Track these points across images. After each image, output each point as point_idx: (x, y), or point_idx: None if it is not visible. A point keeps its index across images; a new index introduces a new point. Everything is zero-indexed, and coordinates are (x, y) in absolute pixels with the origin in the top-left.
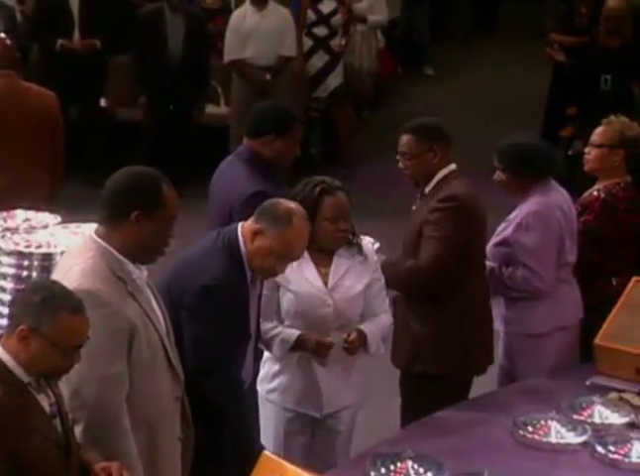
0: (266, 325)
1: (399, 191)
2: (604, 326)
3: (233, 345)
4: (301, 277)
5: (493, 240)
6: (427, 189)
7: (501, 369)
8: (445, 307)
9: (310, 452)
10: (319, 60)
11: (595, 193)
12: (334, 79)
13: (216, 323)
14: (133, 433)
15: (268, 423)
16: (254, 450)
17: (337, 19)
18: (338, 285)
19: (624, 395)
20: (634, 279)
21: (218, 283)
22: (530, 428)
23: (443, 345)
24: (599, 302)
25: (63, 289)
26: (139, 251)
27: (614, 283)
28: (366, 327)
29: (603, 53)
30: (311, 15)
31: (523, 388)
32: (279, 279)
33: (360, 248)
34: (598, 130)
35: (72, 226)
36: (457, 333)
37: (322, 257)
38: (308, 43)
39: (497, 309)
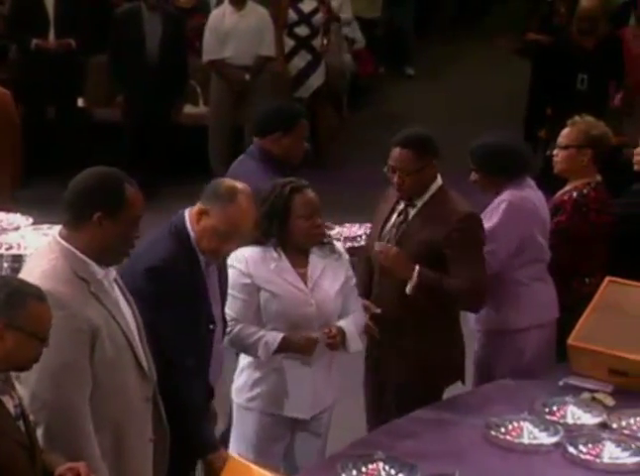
0: (247, 330)
1: (379, 192)
2: (577, 327)
3: (189, 332)
4: (281, 279)
5: None
6: (420, 203)
7: (477, 368)
8: (437, 321)
9: (289, 455)
10: (301, 61)
11: (567, 194)
12: (316, 79)
13: (166, 308)
14: (98, 434)
15: (249, 432)
16: (205, 446)
17: (318, 18)
18: (317, 284)
19: (597, 395)
20: (607, 279)
21: (162, 264)
22: (503, 429)
23: (432, 358)
24: (573, 302)
25: (21, 281)
26: (103, 252)
27: (588, 283)
28: (344, 324)
29: (578, 53)
30: (292, 15)
31: (497, 388)
32: (260, 282)
33: (332, 247)
34: (564, 131)
35: (44, 228)
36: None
37: (298, 258)
38: (290, 43)
39: None
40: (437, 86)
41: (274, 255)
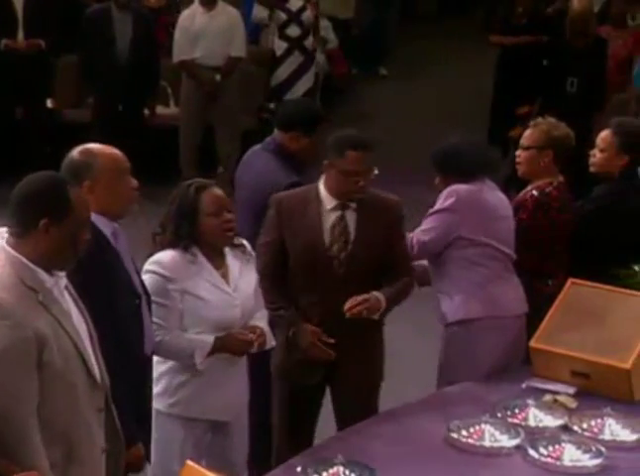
0: (177, 337)
1: None
2: (540, 329)
3: (120, 303)
4: (205, 281)
5: None
6: (354, 204)
7: (440, 370)
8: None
9: (212, 457)
10: (293, 62)
11: (529, 193)
12: (306, 82)
13: (93, 296)
14: (47, 445)
15: (172, 438)
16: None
17: (307, 15)
18: (238, 284)
19: (559, 397)
20: (570, 281)
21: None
22: (464, 432)
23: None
24: (536, 304)
25: None
26: (51, 259)
27: (550, 284)
28: (262, 323)
29: (569, 56)
30: (281, 15)
31: (459, 391)
32: (185, 286)
33: (244, 248)
34: (526, 133)
35: (2, 231)
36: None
37: (215, 258)
38: (283, 45)
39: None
40: (410, 87)
41: (190, 257)
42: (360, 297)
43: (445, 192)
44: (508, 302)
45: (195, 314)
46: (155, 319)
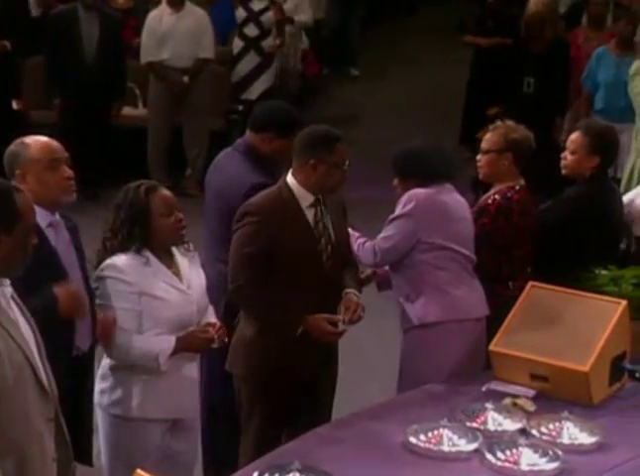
0: (140, 340)
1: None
2: (500, 332)
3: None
4: (162, 282)
5: None
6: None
7: (400, 374)
8: None
9: (168, 456)
10: (250, 62)
11: (491, 198)
12: (264, 82)
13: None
14: (0, 458)
15: (124, 441)
16: None
17: (268, 17)
18: (191, 282)
19: (518, 401)
20: (530, 283)
21: None
22: (423, 437)
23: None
24: (497, 307)
25: None
26: (2, 268)
27: (511, 287)
28: (212, 319)
29: (526, 56)
30: (242, 12)
31: (419, 394)
32: (143, 288)
33: (188, 245)
34: (485, 136)
35: None
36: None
37: (166, 258)
38: (239, 44)
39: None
40: (382, 87)
41: (143, 259)
42: (352, 306)
43: (404, 198)
44: (469, 306)
45: (154, 315)
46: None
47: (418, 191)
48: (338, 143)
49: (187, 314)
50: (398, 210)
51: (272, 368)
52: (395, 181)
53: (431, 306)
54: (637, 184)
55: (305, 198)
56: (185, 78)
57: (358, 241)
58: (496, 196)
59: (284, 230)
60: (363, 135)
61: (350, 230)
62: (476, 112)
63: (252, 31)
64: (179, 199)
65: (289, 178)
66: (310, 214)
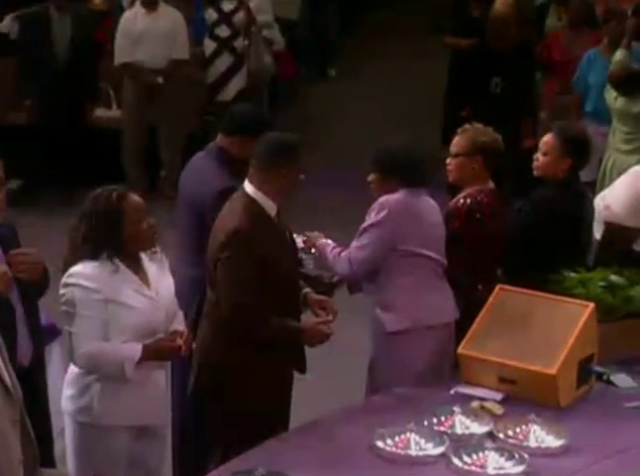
0: (106, 348)
1: (299, 196)
2: (468, 335)
3: None
4: (129, 289)
5: None
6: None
7: (368, 378)
8: None
9: (135, 462)
10: (223, 63)
11: (461, 201)
12: (238, 82)
13: None
14: None
15: (91, 448)
16: None
17: (239, 17)
18: (159, 288)
19: (486, 404)
20: (498, 286)
21: None
22: (390, 441)
23: None
24: (466, 309)
25: None
26: None
27: (480, 289)
28: (179, 327)
29: (491, 56)
30: (212, 13)
31: (387, 398)
32: (110, 296)
33: (155, 249)
34: (455, 140)
35: None
36: None
37: (133, 264)
38: (212, 45)
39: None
40: (359, 87)
41: (113, 266)
42: (325, 305)
43: (376, 205)
44: (439, 311)
45: (121, 323)
46: (80, 331)
47: (390, 198)
48: (299, 151)
49: (155, 321)
50: (371, 218)
51: (251, 393)
52: (372, 177)
53: (402, 313)
54: (610, 183)
55: (271, 209)
56: (159, 79)
57: (333, 251)
58: (467, 199)
59: (270, 247)
60: (339, 136)
61: (323, 240)
62: (456, 112)
63: (223, 32)
64: (155, 201)
65: (251, 191)
66: (277, 225)
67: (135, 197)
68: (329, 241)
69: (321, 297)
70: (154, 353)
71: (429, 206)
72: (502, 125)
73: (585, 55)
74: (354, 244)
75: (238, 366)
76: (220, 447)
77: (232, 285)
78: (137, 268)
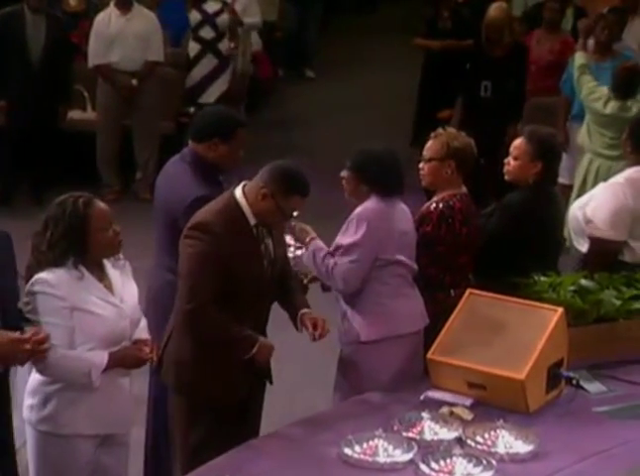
0: (72, 356)
1: None
2: (437, 340)
3: None
4: (94, 296)
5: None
6: None
7: (337, 386)
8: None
9: (98, 471)
10: (207, 65)
11: (433, 205)
12: (220, 85)
13: None
14: None
15: (54, 457)
16: None
17: (223, 19)
18: (123, 295)
19: (455, 409)
20: (468, 291)
21: None
22: (357, 448)
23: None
24: (438, 314)
25: None
26: None
27: (453, 294)
28: (143, 334)
29: (485, 60)
30: (196, 15)
31: (355, 404)
32: (77, 303)
33: (118, 255)
34: (428, 144)
35: None
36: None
37: (97, 271)
38: (196, 47)
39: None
40: (338, 89)
41: (78, 273)
42: (318, 322)
43: (355, 218)
44: (408, 320)
45: (87, 330)
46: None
47: (367, 209)
48: (299, 196)
49: (121, 329)
50: (352, 233)
51: (213, 385)
52: (345, 174)
53: (378, 323)
54: (592, 187)
55: (251, 218)
56: (134, 81)
57: (326, 261)
58: (439, 204)
59: (235, 249)
60: (318, 139)
61: (316, 241)
62: (427, 114)
63: (207, 33)
64: (130, 203)
65: (239, 195)
66: (255, 233)
67: (101, 204)
68: (320, 243)
69: (314, 316)
70: (120, 361)
71: (402, 213)
72: (490, 128)
73: (570, 57)
74: (344, 260)
75: (203, 362)
76: (186, 450)
77: (191, 278)
78: (101, 275)
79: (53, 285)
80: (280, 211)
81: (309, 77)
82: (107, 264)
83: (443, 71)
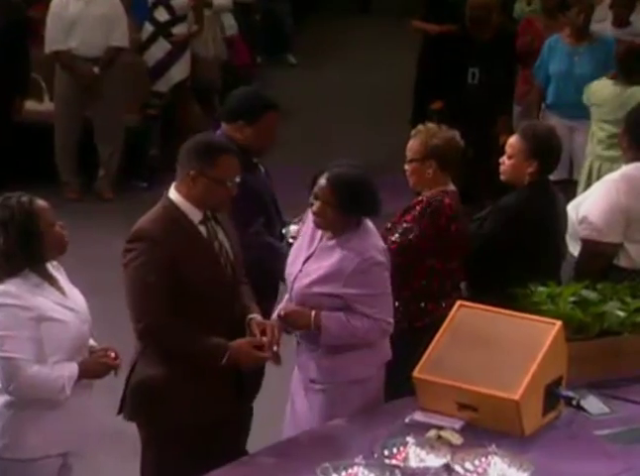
0: (44, 370)
1: None
2: (424, 357)
3: None
4: (53, 303)
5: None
6: None
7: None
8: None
9: None
10: (159, 49)
11: (420, 198)
12: (178, 72)
13: None
14: None
15: None
16: None
17: (178, 1)
18: (73, 296)
19: (443, 433)
20: (458, 303)
21: None
22: None
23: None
24: (427, 328)
25: None
26: None
27: (444, 305)
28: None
29: (471, 45)
30: None
31: (334, 427)
32: (44, 312)
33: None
34: (408, 144)
35: None
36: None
37: (45, 275)
38: (149, 29)
39: (310, 361)
40: (321, 75)
41: (36, 280)
42: (268, 329)
43: (360, 263)
44: (375, 361)
45: (54, 340)
46: (16, 356)
47: (364, 247)
48: (224, 155)
49: (83, 335)
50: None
51: (185, 409)
52: (318, 207)
53: (363, 358)
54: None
55: (194, 214)
56: (96, 69)
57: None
58: (424, 197)
59: (182, 253)
60: (299, 129)
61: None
62: (423, 106)
63: (162, 15)
64: (92, 204)
65: (173, 195)
66: (203, 232)
67: (40, 201)
68: (326, 314)
69: (263, 321)
70: (90, 371)
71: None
72: (478, 118)
73: (546, 42)
74: (374, 311)
75: (167, 382)
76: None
77: (138, 294)
78: (50, 279)
79: (15, 296)
80: (217, 183)
81: (291, 63)
82: (49, 267)
83: (437, 58)
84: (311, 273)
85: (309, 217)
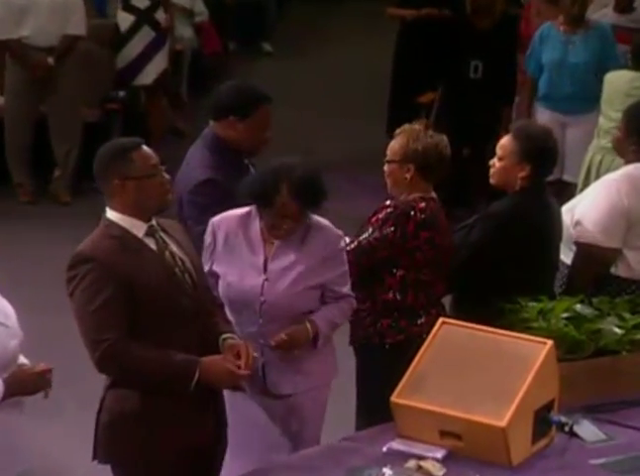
0: None
1: None
2: (403, 379)
3: None
4: None
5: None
6: None
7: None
8: None
9: None
10: (143, 39)
11: (389, 202)
12: (159, 62)
13: None
14: None
15: None
16: None
17: None
18: (6, 311)
19: (424, 463)
20: (440, 320)
21: None
22: None
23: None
24: (404, 348)
25: None
26: None
27: (420, 323)
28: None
29: (473, 36)
30: None
31: (306, 456)
32: None
33: None
34: (390, 143)
35: None
36: None
37: None
38: (128, 18)
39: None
40: (299, 65)
41: None
42: (242, 350)
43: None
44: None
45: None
46: None
47: (325, 228)
48: (135, 150)
49: (11, 350)
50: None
51: (164, 437)
52: (289, 225)
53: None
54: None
55: (138, 228)
56: (50, 59)
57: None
58: (393, 201)
59: (132, 270)
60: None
61: (318, 316)
62: (405, 98)
63: (140, 1)
64: (47, 207)
65: (110, 214)
66: (151, 245)
67: None
68: (320, 314)
69: (237, 342)
70: (19, 388)
71: None
72: (481, 115)
73: (537, 30)
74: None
75: (140, 417)
76: None
77: (90, 319)
78: None
79: None
80: (143, 179)
81: (267, 52)
82: None
83: (420, 47)
84: (286, 273)
85: (220, 228)
